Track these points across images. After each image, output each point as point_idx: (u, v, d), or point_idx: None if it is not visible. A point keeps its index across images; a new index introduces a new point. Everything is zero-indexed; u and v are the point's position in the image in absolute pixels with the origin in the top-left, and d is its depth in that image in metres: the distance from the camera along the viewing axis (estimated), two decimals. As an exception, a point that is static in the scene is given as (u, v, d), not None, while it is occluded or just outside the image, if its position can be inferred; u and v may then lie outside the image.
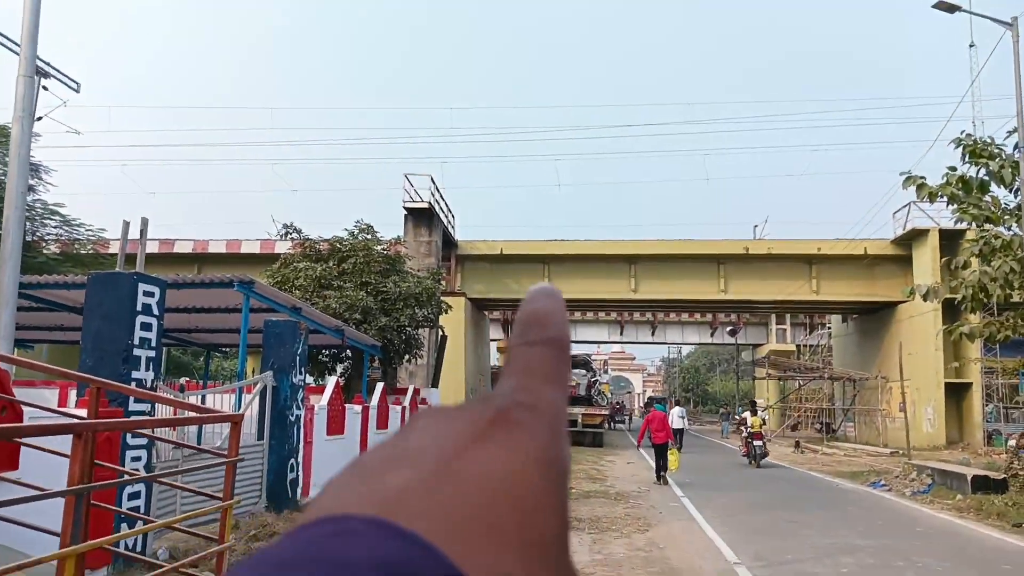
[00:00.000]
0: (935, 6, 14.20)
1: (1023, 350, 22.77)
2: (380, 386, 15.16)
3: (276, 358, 10.39)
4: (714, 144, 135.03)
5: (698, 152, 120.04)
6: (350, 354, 18.65)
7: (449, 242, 30.42)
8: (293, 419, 10.46)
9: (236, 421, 4.66)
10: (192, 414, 5.59)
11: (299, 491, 10.64)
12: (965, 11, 13.92)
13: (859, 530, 10.19)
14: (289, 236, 18.98)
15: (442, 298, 19.73)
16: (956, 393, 27.88)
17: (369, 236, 18.77)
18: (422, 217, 27.66)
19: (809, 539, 9.50)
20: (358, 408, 13.62)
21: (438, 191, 28.38)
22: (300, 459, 10.72)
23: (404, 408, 16.52)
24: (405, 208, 27.43)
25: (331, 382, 12.41)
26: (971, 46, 30.09)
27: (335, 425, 12.32)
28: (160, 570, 4.08)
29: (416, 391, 18.04)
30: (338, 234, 18.63)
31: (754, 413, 21.52)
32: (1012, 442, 24.95)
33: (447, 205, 30.10)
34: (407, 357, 19.16)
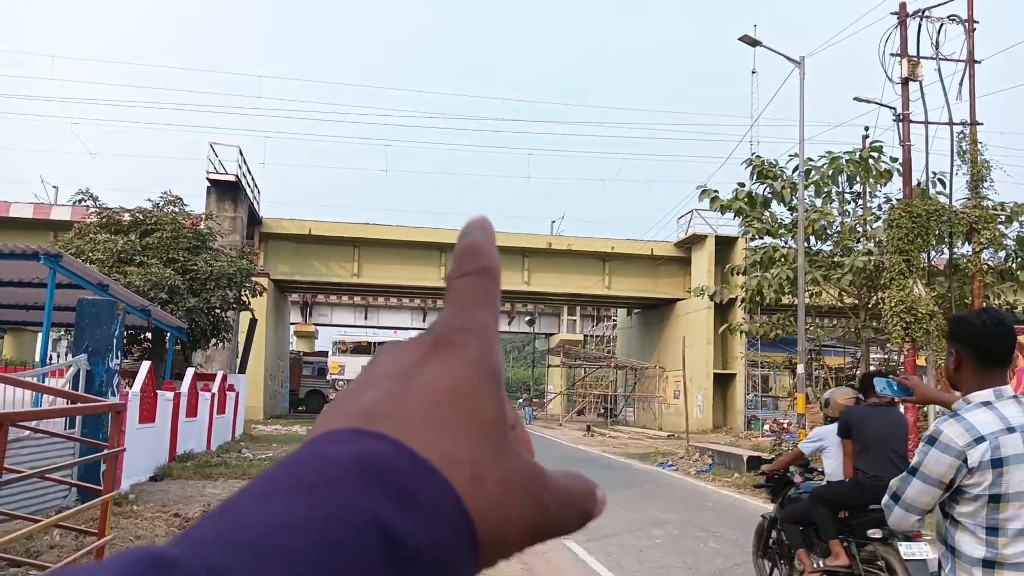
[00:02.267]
0: (741, 39, 16.07)
1: (779, 347, 26.21)
2: (191, 371, 14.35)
3: (91, 340, 9.58)
4: (537, 144, 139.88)
5: (523, 151, 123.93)
6: (149, 336, 17.38)
7: (254, 219, 29.08)
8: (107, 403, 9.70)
9: (118, 410, 4.44)
10: (62, 403, 5.15)
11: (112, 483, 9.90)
12: (765, 47, 15.86)
13: (660, 506, 11.40)
14: (84, 203, 17.23)
15: (255, 279, 18.93)
16: (722, 383, 31.41)
17: (177, 209, 17.55)
18: (227, 191, 26.20)
19: (620, 515, 10.46)
20: (169, 395, 12.83)
21: (245, 164, 27.02)
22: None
23: (213, 395, 15.75)
24: (209, 180, 25.83)
25: (144, 367, 11.59)
26: (753, 72, 34.16)
27: (147, 413, 11.55)
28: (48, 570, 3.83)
29: (224, 377, 17.24)
30: (141, 204, 17.25)
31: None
32: (767, 426, 28.80)
33: (254, 180, 28.73)
34: (214, 341, 18.18)
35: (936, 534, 2.47)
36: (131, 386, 11.28)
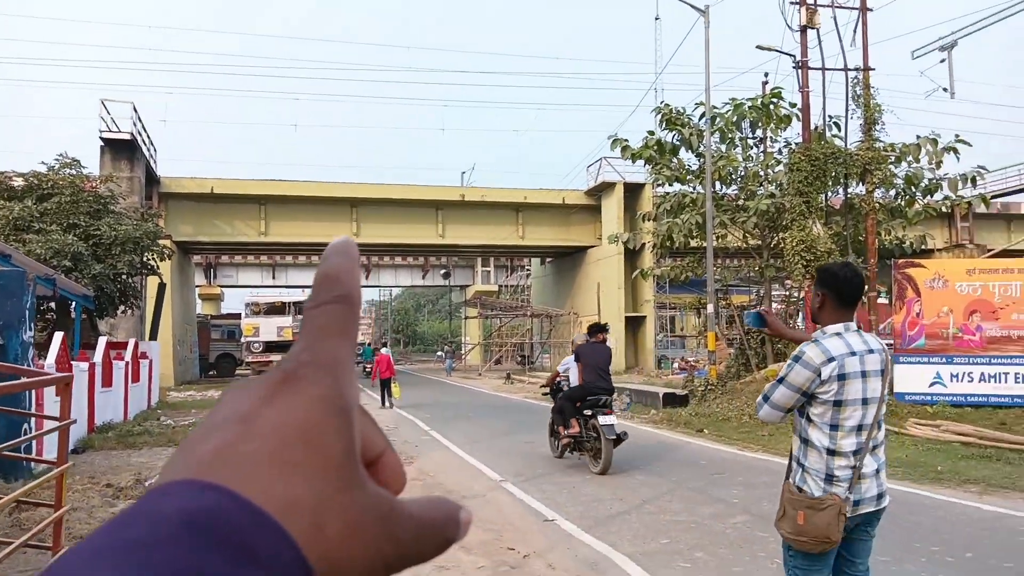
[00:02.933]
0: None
1: (687, 288, 27.31)
2: (103, 340, 13.85)
3: (2, 314, 9.15)
4: (451, 95, 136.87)
5: (437, 102, 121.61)
6: (53, 305, 16.59)
7: (152, 179, 27.77)
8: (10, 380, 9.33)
9: (67, 383, 4.38)
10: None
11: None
12: (670, -3, 16.19)
13: (587, 445, 11.92)
14: (-32, 168, 16.08)
15: (163, 243, 18.26)
16: (633, 325, 32.52)
17: (74, 172, 16.63)
18: (123, 150, 24.90)
19: (548, 456, 10.94)
20: (84, 366, 12.39)
21: (140, 121, 25.67)
22: (33, 424, 9.64)
23: (127, 364, 15.26)
24: (102, 139, 24.45)
25: (56, 338, 11.14)
26: (656, 19, 34.64)
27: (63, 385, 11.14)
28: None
29: (136, 345, 16.69)
30: (35, 168, 16.26)
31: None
32: (676, 365, 30.13)
33: (150, 138, 27.35)
34: (122, 308, 17.52)
35: (794, 430, 3.26)
36: (44, 359, 10.85)
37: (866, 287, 3.46)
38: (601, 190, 32.90)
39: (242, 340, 28.29)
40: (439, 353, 40.64)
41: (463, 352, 48.71)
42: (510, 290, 51.27)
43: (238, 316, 35.30)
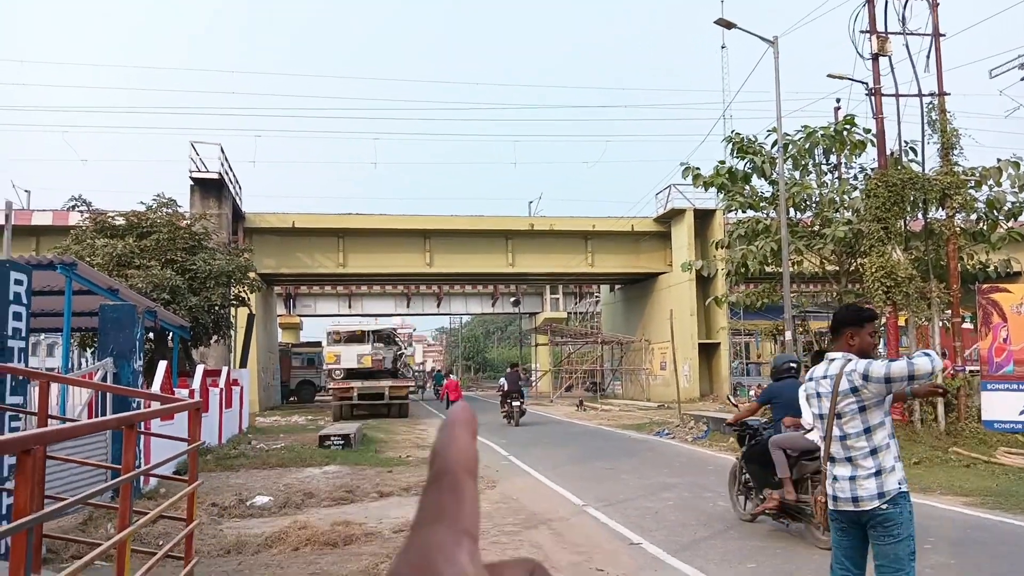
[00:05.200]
0: (716, 22, 16.56)
1: (762, 315, 26.97)
2: (201, 368, 14.70)
3: (115, 344, 9.94)
4: (522, 131, 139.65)
5: (510, 137, 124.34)
6: (151, 336, 17.66)
7: (237, 214, 29.20)
8: (135, 407, 10.07)
9: (198, 408, 4.88)
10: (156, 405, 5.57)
11: (141, 481, 10.31)
12: (739, 28, 16.35)
13: (665, 471, 12.02)
14: (78, 208, 17.38)
15: (252, 275, 19.24)
16: (707, 352, 32.19)
17: (171, 211, 17.76)
18: (211, 188, 26.32)
19: (630, 482, 11.08)
20: (184, 392, 13.19)
21: (227, 161, 27.11)
22: (142, 448, 10.37)
23: (221, 391, 16.10)
24: (192, 179, 25.92)
25: (161, 367, 11.95)
26: (723, 47, 34.75)
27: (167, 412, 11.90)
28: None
29: (228, 372, 17.58)
30: (134, 207, 17.44)
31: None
32: (752, 392, 29.66)
33: (235, 176, 28.82)
34: (215, 338, 18.50)
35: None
36: (149, 386, 11.64)
37: (871, 318, 3.92)
38: (670, 217, 32.90)
39: (323, 367, 29.27)
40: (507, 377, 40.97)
41: (534, 379, 48.97)
42: (579, 317, 51.38)
43: (318, 344, 36.51)
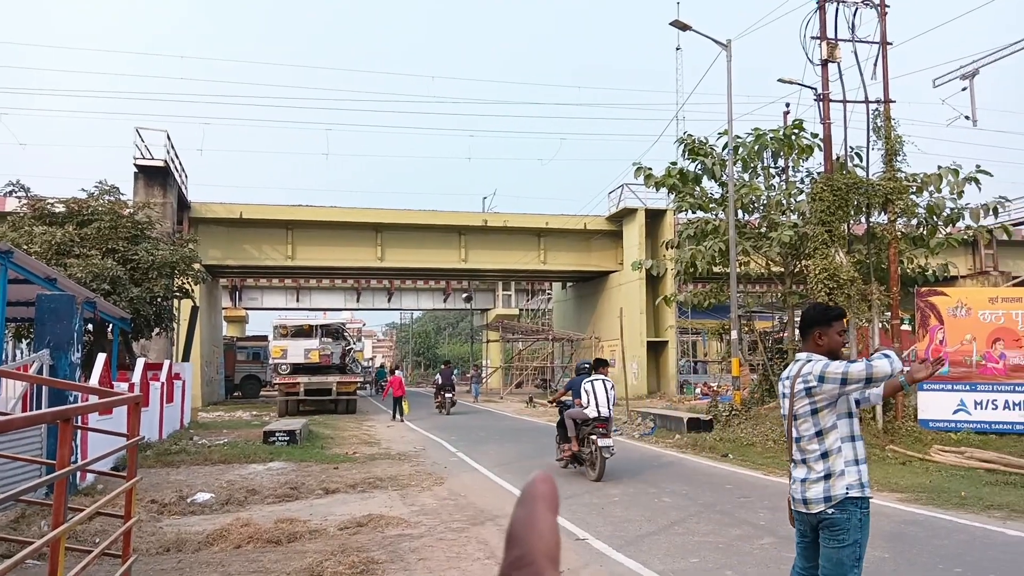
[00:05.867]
0: (672, 23, 16.73)
1: (709, 314, 27.41)
2: (142, 362, 14.28)
3: (52, 335, 9.58)
4: (477, 125, 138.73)
5: (465, 132, 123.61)
6: (90, 327, 17.10)
7: (183, 204, 28.46)
8: (72, 400, 9.73)
9: (138, 402, 4.72)
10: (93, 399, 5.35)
11: (77, 477, 9.98)
12: (694, 31, 16.55)
13: (612, 467, 12.10)
14: (15, 194, 16.70)
15: (196, 267, 18.77)
16: (656, 350, 32.63)
17: (113, 198, 17.21)
18: (156, 176, 25.61)
19: (578, 478, 11.14)
20: (123, 386, 12.80)
21: (173, 149, 26.40)
22: (79, 443, 10.02)
23: (163, 384, 15.69)
24: (136, 166, 25.16)
25: (100, 359, 11.56)
26: (678, 49, 35.26)
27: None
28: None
29: (170, 366, 17.13)
30: (74, 194, 16.83)
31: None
32: (698, 390, 30.16)
33: (181, 165, 28.08)
34: (157, 330, 18.00)
35: None
36: (88, 380, 11.26)
37: (838, 316, 3.82)
38: (622, 216, 33.21)
39: (269, 362, 28.72)
40: (469, 375, 40.89)
41: (485, 376, 48.95)
42: (531, 314, 51.53)
43: (263, 338, 35.87)
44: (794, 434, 3.74)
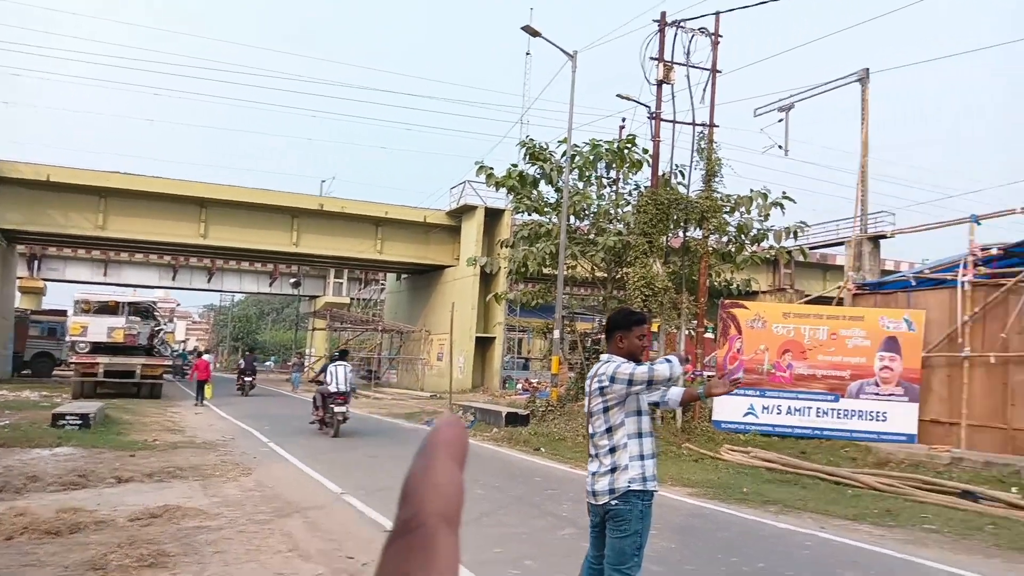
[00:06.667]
0: (523, 29, 17.03)
1: (536, 313, 28.30)
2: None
3: None
4: (320, 106, 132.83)
5: (307, 111, 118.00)
6: None
7: (-24, 160, 25.38)
8: None
9: None
10: None
11: None
12: (544, 38, 16.94)
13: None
14: None
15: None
16: (483, 345, 33.10)
17: None
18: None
19: (393, 470, 11.03)
20: None
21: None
22: None
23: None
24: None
25: None
26: (527, 54, 35.97)
27: None
28: None
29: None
30: None
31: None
32: (519, 386, 31.00)
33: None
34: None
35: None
36: None
37: (639, 322, 4.06)
38: (462, 212, 33.42)
39: (67, 339, 26.09)
40: (293, 361, 39.60)
41: (307, 365, 47.53)
42: (362, 303, 50.63)
43: (63, 313, 32.61)
44: (590, 430, 3.95)
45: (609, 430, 3.84)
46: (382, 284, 46.65)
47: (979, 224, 14.74)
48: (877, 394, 14.36)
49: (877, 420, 14.25)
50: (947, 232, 16.53)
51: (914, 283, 15.77)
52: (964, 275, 14.06)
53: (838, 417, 14.33)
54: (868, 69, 24.66)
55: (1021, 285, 13.06)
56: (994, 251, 14.29)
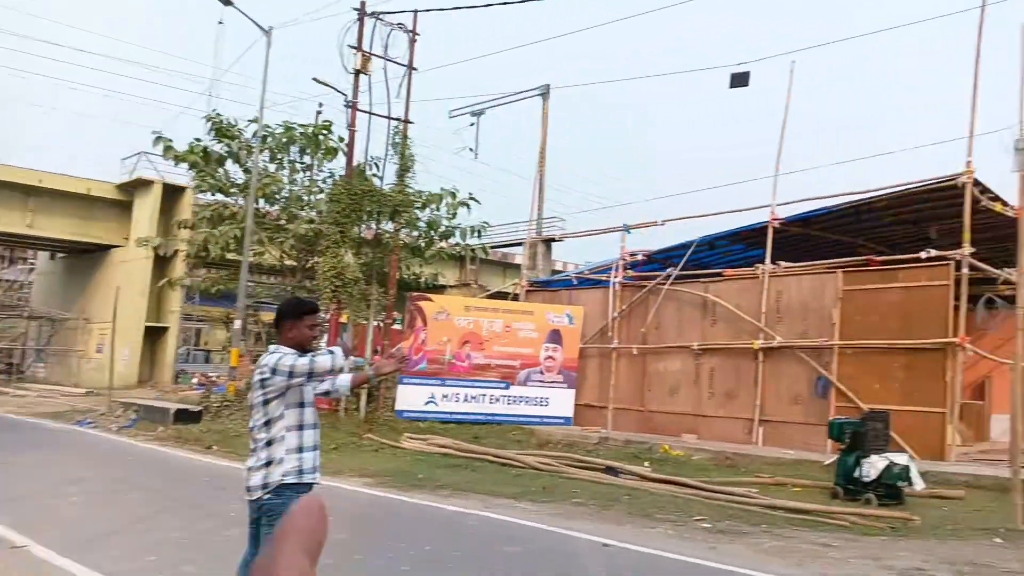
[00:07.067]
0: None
1: (219, 302, 26.45)
2: None
3: None
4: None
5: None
6: None
7: None
8: None
9: None
10: None
11: None
12: (237, 8, 15.76)
13: (78, 464, 10.79)
14: None
15: None
16: (154, 336, 30.18)
17: None
18: None
19: (31, 478, 9.64)
20: None
21: None
22: None
23: None
24: None
25: None
26: (220, 23, 33.07)
27: None
28: None
29: None
30: None
31: None
32: (195, 380, 28.82)
33: None
34: None
35: None
36: None
37: (310, 311, 4.02)
38: (136, 187, 30.07)
39: None
40: None
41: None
42: (4, 285, 43.24)
43: None
44: (250, 423, 3.78)
45: (268, 423, 3.71)
46: (32, 263, 40.29)
47: (629, 232, 16.90)
48: (542, 382, 15.81)
49: (541, 405, 15.68)
50: (609, 238, 18.60)
51: (576, 282, 17.66)
52: (615, 276, 16.06)
53: (508, 403, 15.50)
54: (549, 85, 26.90)
55: (660, 287, 15.26)
56: (640, 257, 16.53)
